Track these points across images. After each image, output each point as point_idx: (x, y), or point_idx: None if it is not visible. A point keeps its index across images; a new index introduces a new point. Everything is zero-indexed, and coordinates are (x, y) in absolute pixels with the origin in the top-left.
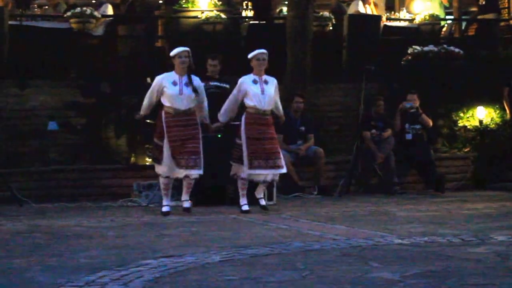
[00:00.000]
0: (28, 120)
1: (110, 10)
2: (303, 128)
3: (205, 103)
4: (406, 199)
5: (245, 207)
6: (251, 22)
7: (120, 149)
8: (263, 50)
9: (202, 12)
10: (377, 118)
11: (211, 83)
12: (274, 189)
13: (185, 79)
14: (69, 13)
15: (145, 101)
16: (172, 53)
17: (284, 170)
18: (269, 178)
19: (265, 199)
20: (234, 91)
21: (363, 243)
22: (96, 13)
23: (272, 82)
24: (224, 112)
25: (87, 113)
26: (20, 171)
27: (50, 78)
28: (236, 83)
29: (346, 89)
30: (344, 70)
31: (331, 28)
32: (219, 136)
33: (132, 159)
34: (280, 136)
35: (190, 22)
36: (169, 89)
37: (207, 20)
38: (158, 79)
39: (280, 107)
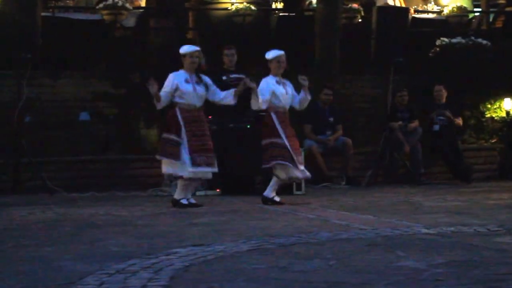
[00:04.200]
0: (60, 111)
1: (143, 2)
2: (331, 119)
3: (220, 94)
4: (433, 189)
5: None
6: (280, 14)
7: (150, 139)
8: (283, 52)
9: (232, 4)
10: (402, 109)
11: (232, 76)
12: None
13: (194, 77)
14: (101, 5)
15: (163, 98)
16: (182, 52)
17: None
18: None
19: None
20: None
21: (389, 233)
22: (127, 5)
23: (288, 83)
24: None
25: (118, 103)
26: (52, 161)
27: (82, 69)
28: (250, 72)
29: (374, 81)
30: (373, 62)
31: (359, 20)
32: (248, 126)
33: None
34: (308, 127)
35: (220, 14)
36: (183, 86)
37: (237, 12)
38: (171, 77)
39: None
